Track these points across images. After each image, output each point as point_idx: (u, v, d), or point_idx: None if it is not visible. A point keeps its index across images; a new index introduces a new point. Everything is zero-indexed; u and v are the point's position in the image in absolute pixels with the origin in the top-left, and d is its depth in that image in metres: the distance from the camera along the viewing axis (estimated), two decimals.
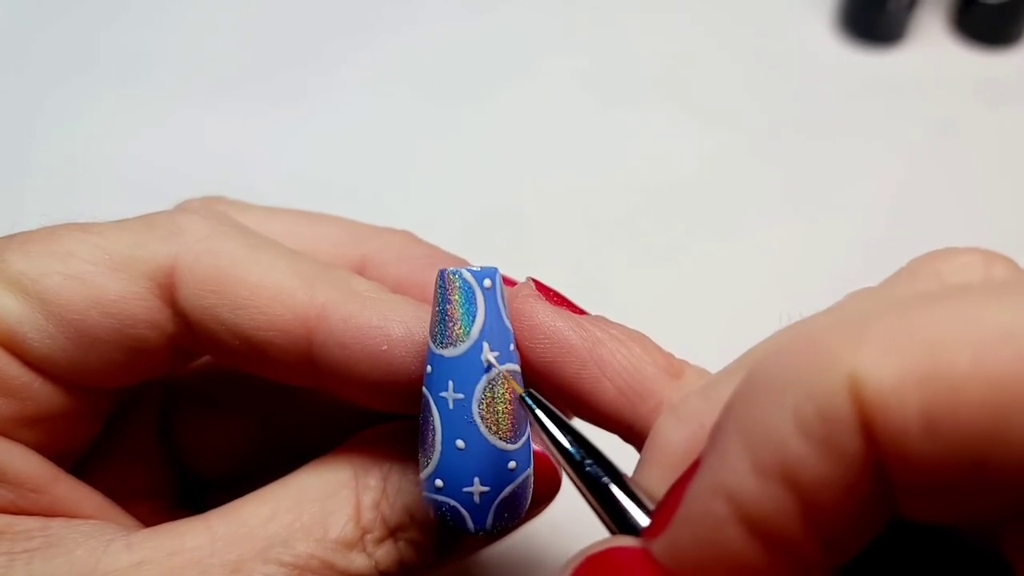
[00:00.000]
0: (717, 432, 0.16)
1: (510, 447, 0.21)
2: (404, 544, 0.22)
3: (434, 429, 0.21)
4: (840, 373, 0.14)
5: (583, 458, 0.19)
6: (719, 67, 0.53)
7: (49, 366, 0.22)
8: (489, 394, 0.21)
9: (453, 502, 0.21)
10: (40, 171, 0.48)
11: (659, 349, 0.23)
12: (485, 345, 0.21)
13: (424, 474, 0.21)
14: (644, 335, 0.23)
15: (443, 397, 0.21)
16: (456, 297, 0.21)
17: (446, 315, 0.21)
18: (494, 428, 0.21)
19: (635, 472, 0.20)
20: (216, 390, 0.29)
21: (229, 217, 0.24)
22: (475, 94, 0.52)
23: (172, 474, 0.28)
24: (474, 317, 0.21)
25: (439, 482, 0.21)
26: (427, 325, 0.22)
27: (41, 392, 0.22)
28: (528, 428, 0.22)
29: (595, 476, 0.19)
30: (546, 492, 0.24)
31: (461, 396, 0.20)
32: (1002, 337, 0.13)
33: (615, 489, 0.19)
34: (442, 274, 0.21)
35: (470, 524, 0.21)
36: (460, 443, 0.20)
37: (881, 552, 0.17)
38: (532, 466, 0.22)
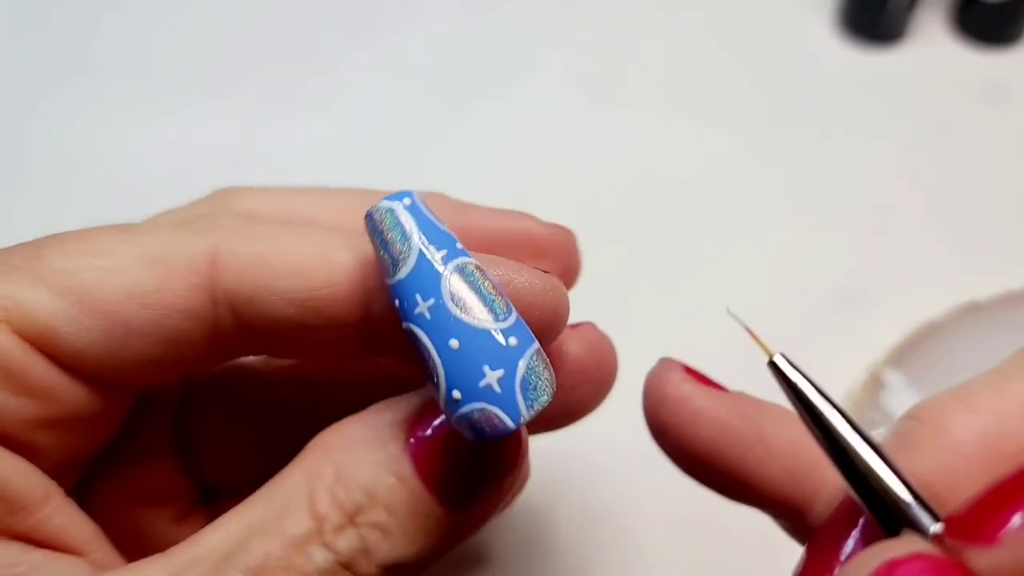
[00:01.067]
0: None
1: (502, 324, 0.20)
2: (367, 529, 0.21)
3: (428, 349, 0.20)
4: None
5: (849, 442, 0.18)
6: (719, 67, 0.53)
7: (81, 362, 0.22)
8: (457, 285, 0.20)
9: (478, 404, 0.20)
10: (38, 171, 0.48)
11: None
12: (431, 247, 0.21)
13: (441, 398, 0.20)
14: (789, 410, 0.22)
15: (419, 314, 0.20)
16: (384, 225, 0.21)
17: (385, 245, 0.21)
18: (477, 313, 0.20)
19: (904, 459, 0.18)
20: (232, 397, 0.28)
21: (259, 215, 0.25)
22: (475, 94, 0.52)
23: (188, 479, 0.28)
24: (406, 231, 0.21)
25: (456, 393, 0.20)
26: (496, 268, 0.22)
27: (68, 392, 0.22)
28: (513, 307, 0.21)
29: (864, 463, 0.17)
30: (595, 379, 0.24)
31: (432, 301, 0.20)
32: None
33: (892, 481, 0.17)
34: (368, 216, 0.21)
35: (507, 420, 0.20)
36: (453, 343, 0.20)
37: None
38: (536, 342, 0.21)
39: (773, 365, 0.19)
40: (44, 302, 0.21)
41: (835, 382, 0.39)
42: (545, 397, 0.20)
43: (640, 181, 0.48)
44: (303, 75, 0.52)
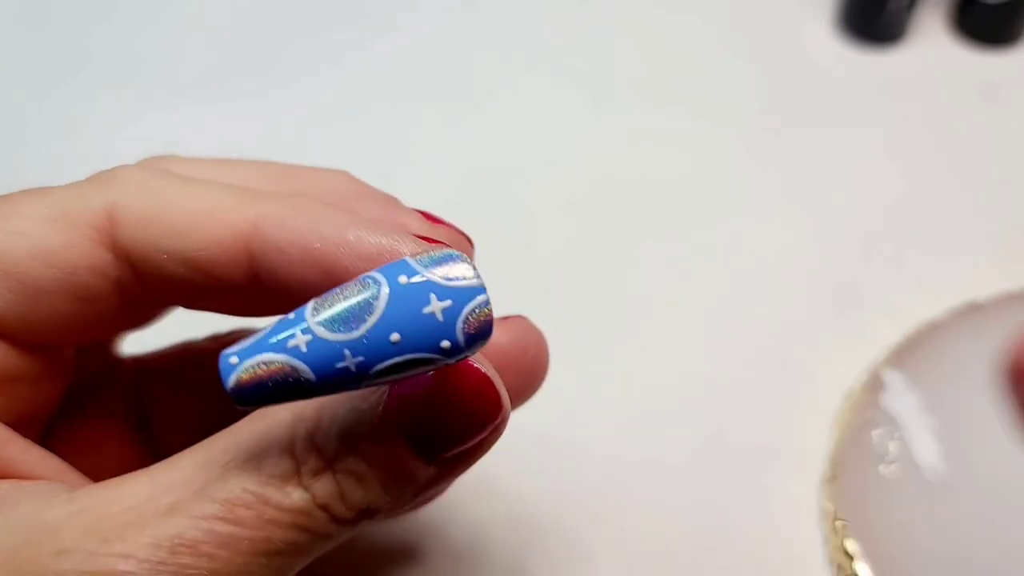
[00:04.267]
0: None
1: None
2: (343, 476, 0.22)
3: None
4: None
5: None
6: (718, 67, 0.53)
7: None
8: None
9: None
10: (35, 172, 0.48)
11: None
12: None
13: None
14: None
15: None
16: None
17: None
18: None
19: None
20: (185, 373, 0.29)
21: (165, 167, 0.25)
22: (471, 92, 0.52)
23: (148, 455, 0.28)
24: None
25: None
26: (359, 228, 0.22)
27: None
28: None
29: None
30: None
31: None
32: None
33: None
34: None
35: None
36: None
37: None
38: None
39: None
40: None
41: (835, 382, 0.39)
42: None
43: (638, 181, 0.47)
44: (303, 74, 0.52)
